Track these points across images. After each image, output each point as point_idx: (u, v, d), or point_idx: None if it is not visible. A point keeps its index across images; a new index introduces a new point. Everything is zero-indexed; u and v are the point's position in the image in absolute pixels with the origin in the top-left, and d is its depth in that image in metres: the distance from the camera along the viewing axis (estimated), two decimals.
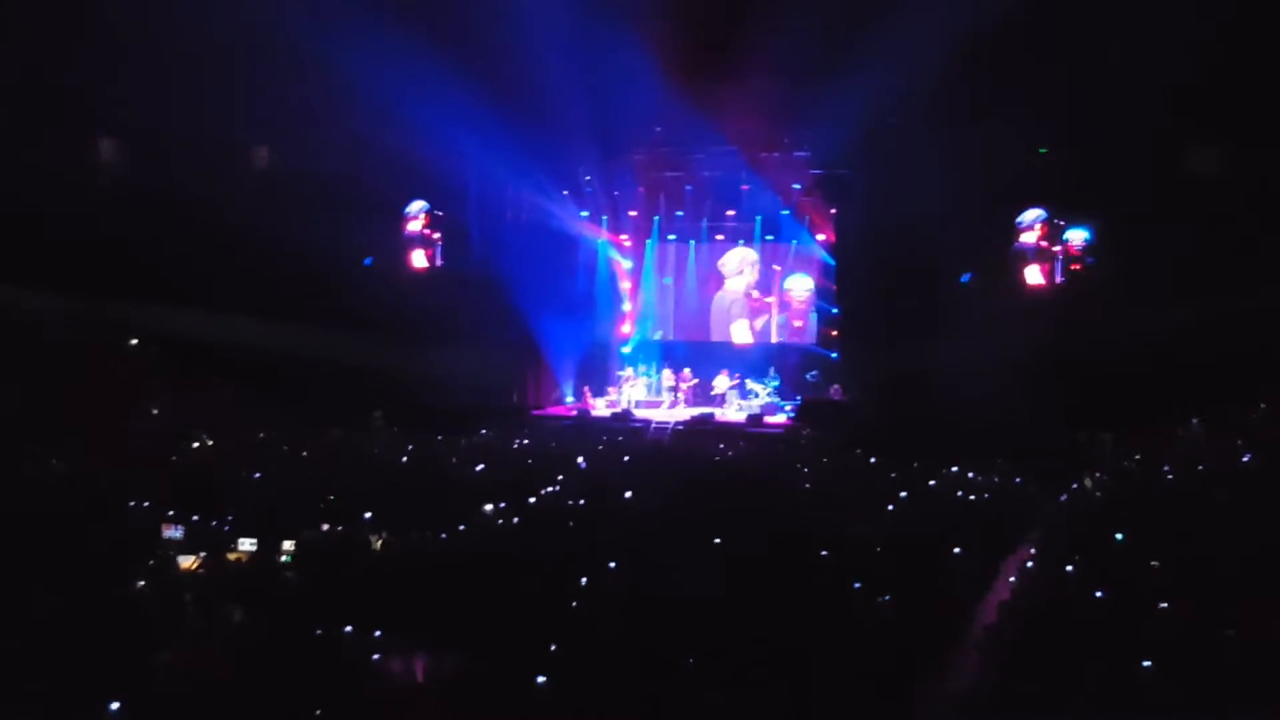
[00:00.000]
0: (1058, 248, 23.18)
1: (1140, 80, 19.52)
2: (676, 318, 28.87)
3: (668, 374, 27.46)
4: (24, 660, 8.13)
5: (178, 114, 23.33)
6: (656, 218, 28.26)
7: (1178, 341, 19.39)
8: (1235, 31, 18.79)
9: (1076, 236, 23.02)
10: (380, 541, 12.70)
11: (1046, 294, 23.02)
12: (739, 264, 28.23)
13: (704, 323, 28.57)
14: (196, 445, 20.13)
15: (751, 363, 27.30)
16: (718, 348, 28.25)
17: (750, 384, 26.80)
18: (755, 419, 24.96)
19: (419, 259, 27.50)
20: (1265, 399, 17.73)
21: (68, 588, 9.79)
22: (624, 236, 28.98)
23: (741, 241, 28.12)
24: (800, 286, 27.58)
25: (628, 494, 15.72)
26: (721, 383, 26.75)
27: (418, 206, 27.41)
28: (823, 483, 17.24)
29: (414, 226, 27.44)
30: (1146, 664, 7.69)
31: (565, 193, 27.91)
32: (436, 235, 27.44)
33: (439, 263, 27.45)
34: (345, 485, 16.25)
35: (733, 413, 26.10)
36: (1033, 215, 23.33)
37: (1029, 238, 23.34)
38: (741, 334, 28.11)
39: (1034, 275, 23.31)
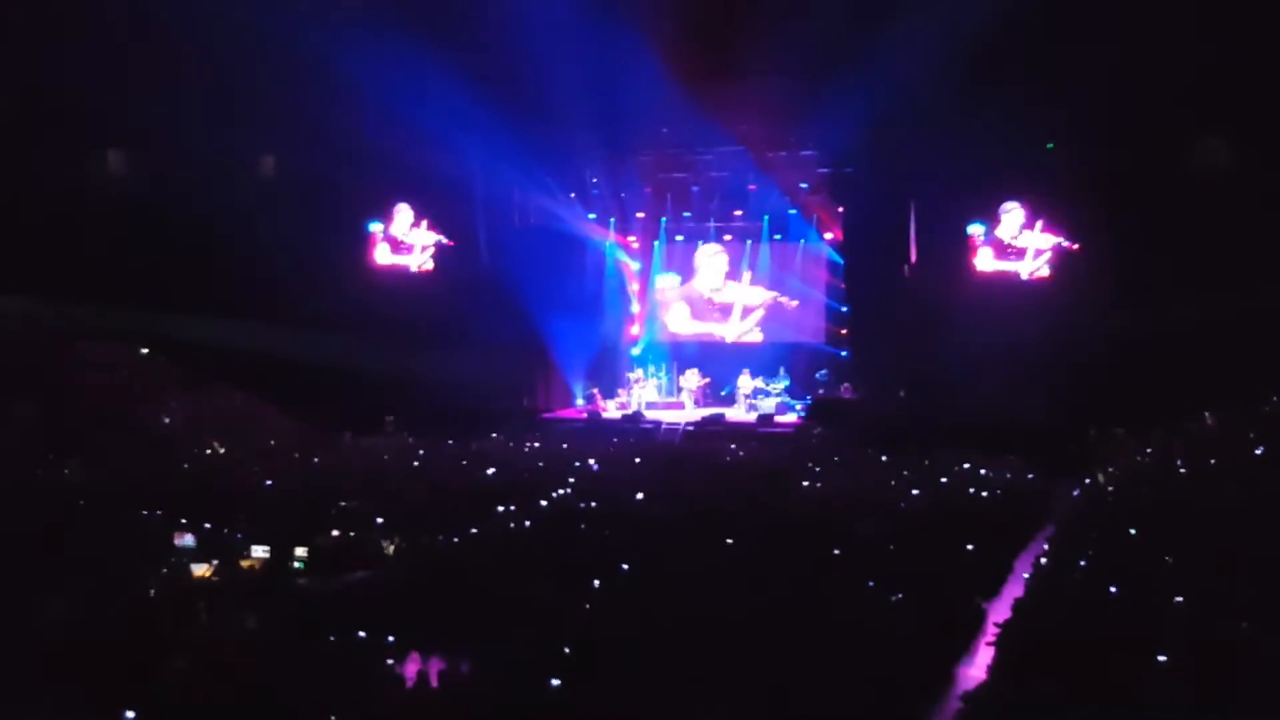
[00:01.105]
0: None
1: (1148, 74, 19.46)
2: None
3: (689, 374, 27.35)
4: (37, 669, 8.16)
5: (187, 123, 23.37)
6: (664, 219, 28.23)
7: (1189, 335, 19.33)
8: (1240, 25, 18.74)
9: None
10: (392, 547, 12.71)
11: (1055, 292, 22.92)
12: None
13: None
14: (208, 452, 20.18)
15: (761, 362, 27.21)
16: (726, 347, 28.21)
17: (756, 384, 26.70)
18: (766, 419, 24.93)
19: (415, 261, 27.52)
20: (1278, 391, 17.66)
21: (80, 596, 9.83)
22: (631, 238, 28.96)
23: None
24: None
25: (639, 496, 15.73)
26: (746, 383, 26.58)
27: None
28: (834, 481, 17.21)
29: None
30: (1161, 659, 7.66)
31: (572, 195, 27.89)
32: (430, 240, 27.40)
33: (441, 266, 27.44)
34: (357, 491, 16.30)
35: (743, 413, 26.04)
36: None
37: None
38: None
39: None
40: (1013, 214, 23.10)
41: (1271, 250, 19.06)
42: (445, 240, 27.11)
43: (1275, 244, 18.99)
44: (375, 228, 27.30)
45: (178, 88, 22.56)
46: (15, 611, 9.34)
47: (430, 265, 27.28)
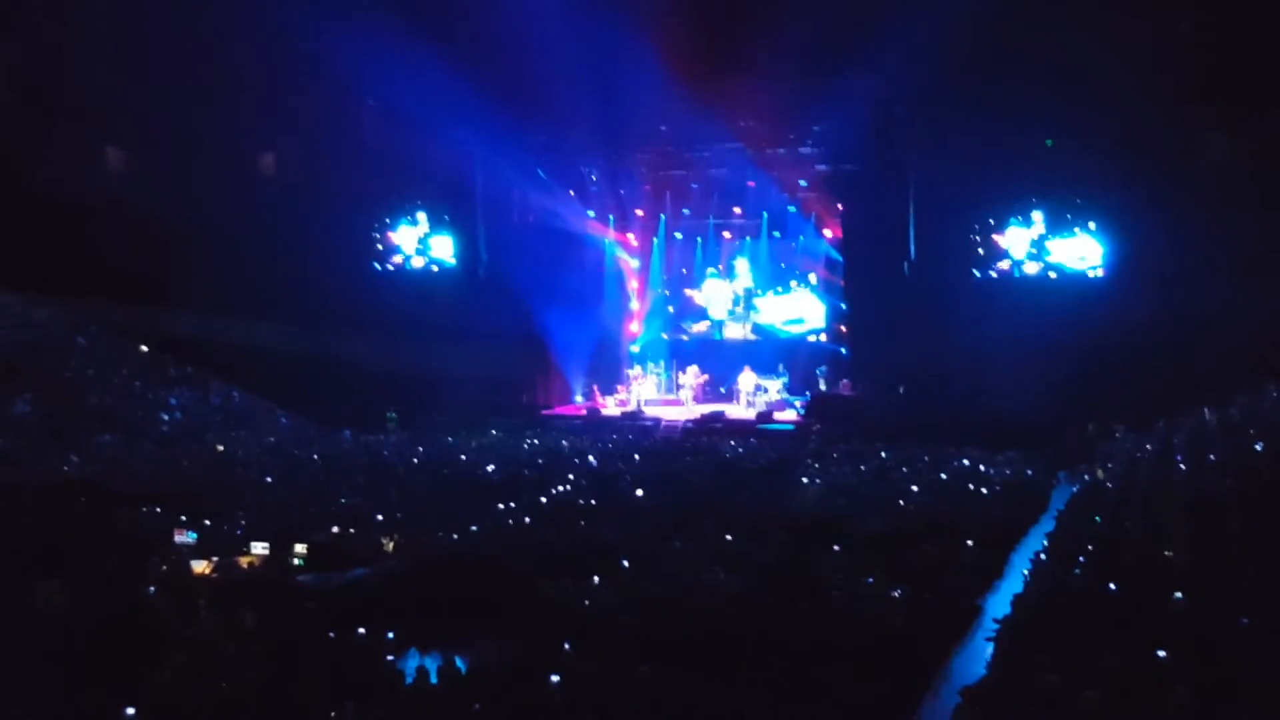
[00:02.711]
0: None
1: (1149, 70, 19.45)
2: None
3: (688, 372, 27.27)
4: (38, 664, 8.16)
5: (187, 121, 23.39)
6: (663, 216, 28.23)
7: (1189, 332, 19.35)
8: (1240, 20, 18.75)
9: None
10: (392, 543, 12.72)
11: (1054, 288, 22.94)
12: None
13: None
14: (208, 449, 20.19)
15: (761, 359, 27.18)
16: (726, 345, 28.24)
17: (760, 380, 26.66)
18: (765, 415, 24.91)
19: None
20: (1276, 387, 17.66)
21: (80, 592, 9.83)
22: (631, 235, 28.96)
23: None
24: None
25: (639, 492, 15.74)
26: (747, 380, 26.51)
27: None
28: (833, 477, 17.22)
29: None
30: (1161, 654, 7.66)
31: (571, 192, 27.89)
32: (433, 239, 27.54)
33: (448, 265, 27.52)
34: (357, 487, 16.31)
35: (744, 410, 26.01)
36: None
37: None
38: None
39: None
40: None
41: (1269, 243, 19.07)
42: (446, 240, 27.23)
43: (1272, 236, 19.00)
44: (378, 228, 27.40)
45: (187, 93, 22.66)
46: (16, 607, 9.34)
47: (432, 264, 27.36)
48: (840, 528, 13.02)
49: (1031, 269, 23.15)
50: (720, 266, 28.60)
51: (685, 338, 28.80)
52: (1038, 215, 23.08)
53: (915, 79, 20.82)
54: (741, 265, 28.41)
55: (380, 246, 27.47)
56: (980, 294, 23.10)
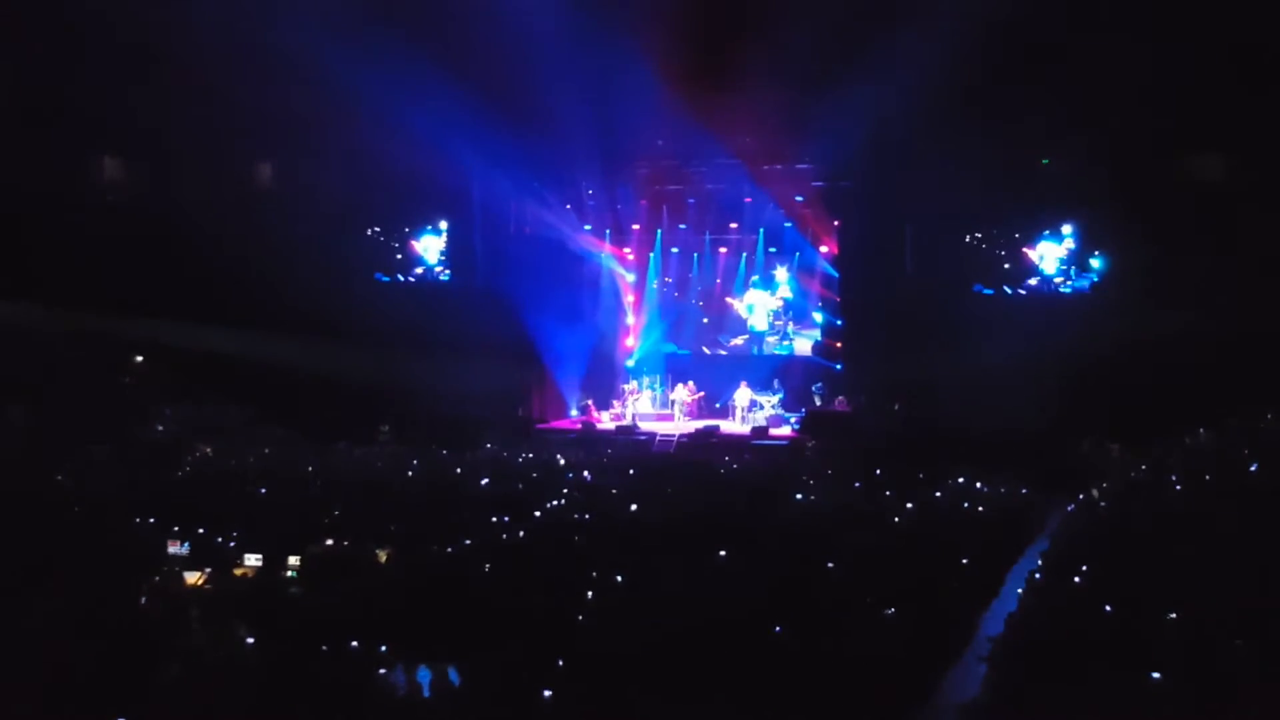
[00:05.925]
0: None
1: (1145, 87, 19.53)
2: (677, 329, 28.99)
3: (679, 388, 27.15)
4: (29, 676, 8.12)
5: (182, 129, 23.42)
6: (659, 230, 28.26)
7: (1184, 351, 19.38)
8: (1237, 34, 18.84)
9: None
10: (385, 556, 12.69)
11: (1051, 305, 23.00)
12: None
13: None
14: (202, 460, 20.13)
15: (757, 375, 27.18)
16: (722, 360, 28.22)
17: (755, 396, 26.66)
18: (760, 431, 24.90)
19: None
20: (1272, 409, 17.68)
21: (72, 603, 9.78)
22: (627, 250, 28.98)
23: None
24: None
25: (633, 507, 15.71)
26: (743, 396, 26.48)
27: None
28: (828, 495, 17.19)
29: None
30: (1155, 676, 7.65)
31: (568, 206, 27.94)
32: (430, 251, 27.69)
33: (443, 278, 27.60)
34: (350, 500, 16.26)
35: (739, 425, 26.00)
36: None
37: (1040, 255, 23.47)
38: None
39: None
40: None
41: (1268, 262, 19.13)
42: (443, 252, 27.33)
43: (1270, 256, 19.05)
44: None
45: (185, 99, 22.71)
46: (7, 619, 9.30)
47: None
48: (834, 544, 12.99)
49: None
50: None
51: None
52: (1041, 233, 23.24)
53: (912, 96, 20.86)
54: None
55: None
56: (977, 311, 23.15)
